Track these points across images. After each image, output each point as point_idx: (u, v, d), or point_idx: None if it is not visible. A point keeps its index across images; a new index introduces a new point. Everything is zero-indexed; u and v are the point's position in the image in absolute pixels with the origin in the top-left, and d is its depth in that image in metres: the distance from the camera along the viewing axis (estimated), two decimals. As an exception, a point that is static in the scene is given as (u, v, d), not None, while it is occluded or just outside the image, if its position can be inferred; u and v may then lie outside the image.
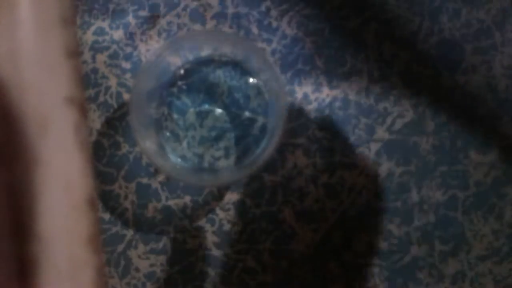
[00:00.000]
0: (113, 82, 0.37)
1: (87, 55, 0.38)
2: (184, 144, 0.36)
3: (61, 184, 0.17)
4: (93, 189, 0.18)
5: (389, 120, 0.36)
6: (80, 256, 0.17)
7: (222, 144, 0.36)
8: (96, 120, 0.37)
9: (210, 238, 0.36)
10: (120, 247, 0.37)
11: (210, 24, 0.37)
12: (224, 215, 0.36)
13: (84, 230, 0.17)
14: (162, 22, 0.37)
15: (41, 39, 0.15)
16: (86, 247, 0.17)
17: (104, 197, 0.37)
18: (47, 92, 0.16)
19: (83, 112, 0.17)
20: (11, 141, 0.16)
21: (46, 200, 0.16)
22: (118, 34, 0.38)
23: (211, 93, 0.36)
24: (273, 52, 0.37)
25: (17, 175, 0.16)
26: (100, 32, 0.38)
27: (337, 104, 0.37)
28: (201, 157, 0.36)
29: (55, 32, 0.15)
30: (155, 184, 0.37)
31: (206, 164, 0.36)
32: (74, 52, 0.16)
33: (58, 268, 0.17)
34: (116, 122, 0.37)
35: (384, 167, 0.36)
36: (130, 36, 0.38)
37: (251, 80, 0.36)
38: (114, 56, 0.38)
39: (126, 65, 0.37)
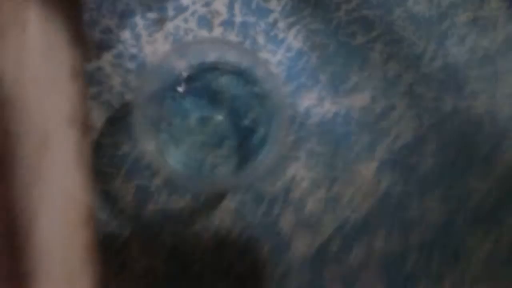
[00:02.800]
0: (116, 81, 0.37)
1: (92, 53, 0.38)
2: (184, 149, 0.36)
3: (60, 201, 0.17)
4: (91, 206, 0.18)
5: (389, 140, 0.36)
6: (77, 271, 0.17)
7: (221, 151, 0.36)
8: (97, 120, 0.37)
9: (210, 239, 0.36)
10: (119, 247, 0.37)
11: (217, 31, 0.37)
12: (222, 217, 0.36)
13: (81, 246, 0.18)
14: (169, 25, 0.37)
15: (47, 60, 0.15)
16: (82, 262, 0.18)
17: (104, 197, 0.37)
18: (50, 112, 0.16)
19: (85, 132, 0.17)
20: (13, 157, 0.16)
21: (44, 216, 0.17)
22: (124, 34, 0.38)
23: (213, 100, 0.36)
24: (278, 64, 0.37)
25: (17, 191, 0.16)
26: (107, 31, 0.38)
27: (339, 120, 0.37)
28: (200, 163, 0.36)
29: (62, 54, 0.16)
30: (155, 184, 0.37)
31: (205, 171, 0.36)
32: (79, 73, 0.16)
33: (55, 282, 0.17)
34: (117, 122, 0.37)
35: (383, 185, 0.36)
36: (137, 37, 0.38)
37: (254, 90, 0.36)
38: (119, 56, 0.38)
39: (131, 65, 0.38)
